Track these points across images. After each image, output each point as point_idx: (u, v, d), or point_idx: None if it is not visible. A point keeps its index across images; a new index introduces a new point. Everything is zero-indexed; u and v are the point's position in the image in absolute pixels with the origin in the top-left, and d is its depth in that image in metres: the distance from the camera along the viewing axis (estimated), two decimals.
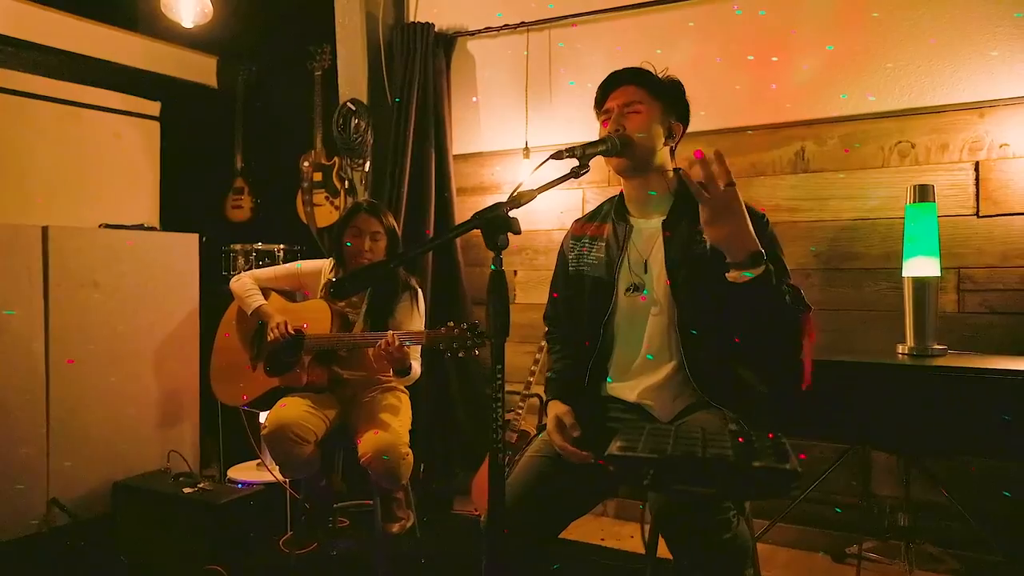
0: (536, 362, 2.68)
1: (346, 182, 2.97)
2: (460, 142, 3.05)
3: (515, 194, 1.23)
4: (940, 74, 2.30)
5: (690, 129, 2.59)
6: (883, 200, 2.36)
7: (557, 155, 1.38)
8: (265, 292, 2.27)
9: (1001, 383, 1.66)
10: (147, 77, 3.15)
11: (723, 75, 2.57)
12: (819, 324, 2.41)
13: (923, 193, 1.98)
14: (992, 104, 2.24)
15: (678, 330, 1.46)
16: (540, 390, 2.64)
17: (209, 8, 2.61)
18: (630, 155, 1.50)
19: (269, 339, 2.11)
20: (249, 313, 2.20)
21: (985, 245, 2.25)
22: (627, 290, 1.52)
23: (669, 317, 1.47)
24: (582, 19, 2.80)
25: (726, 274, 1.28)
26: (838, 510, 2.32)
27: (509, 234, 1.15)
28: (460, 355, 1.82)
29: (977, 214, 2.27)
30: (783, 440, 0.96)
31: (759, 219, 1.48)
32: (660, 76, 1.58)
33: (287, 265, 2.36)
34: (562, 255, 1.68)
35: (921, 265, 1.94)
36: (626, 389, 1.52)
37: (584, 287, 1.58)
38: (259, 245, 2.99)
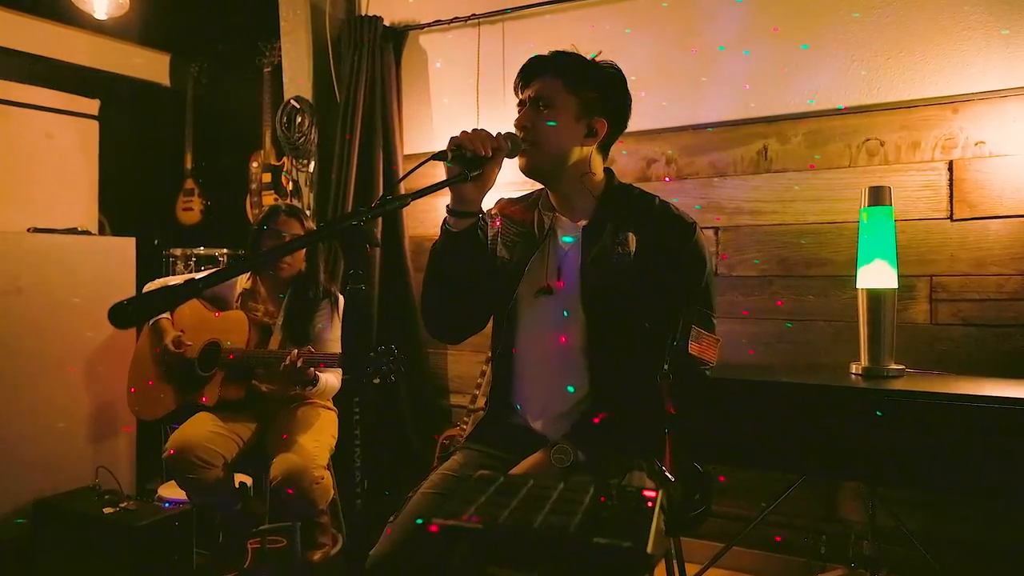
0: (483, 374, 2.53)
1: (290, 183, 2.83)
2: (412, 141, 2.90)
3: (379, 201, 1.09)
4: (911, 66, 2.13)
5: (650, 126, 2.49)
6: (850, 202, 2.19)
7: (439, 155, 1.23)
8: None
9: (958, 410, 1.49)
10: (86, 74, 3.03)
11: (690, 65, 2.41)
12: (784, 336, 2.30)
13: (878, 196, 1.81)
14: (967, 98, 2.07)
15: (588, 351, 1.30)
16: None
17: None
18: (534, 157, 1.34)
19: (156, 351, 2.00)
20: (149, 325, 2.07)
21: (959, 251, 2.09)
22: (537, 293, 1.36)
23: (579, 335, 1.32)
24: (534, 10, 2.64)
25: None
26: (736, 517, 2.16)
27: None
28: (376, 381, 1.69)
29: (951, 217, 2.10)
30: (650, 502, 0.80)
31: (682, 228, 1.32)
32: (592, 63, 1.38)
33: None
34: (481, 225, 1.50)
35: (877, 275, 1.77)
36: (532, 413, 1.37)
37: (492, 266, 1.41)
38: (200, 250, 2.86)
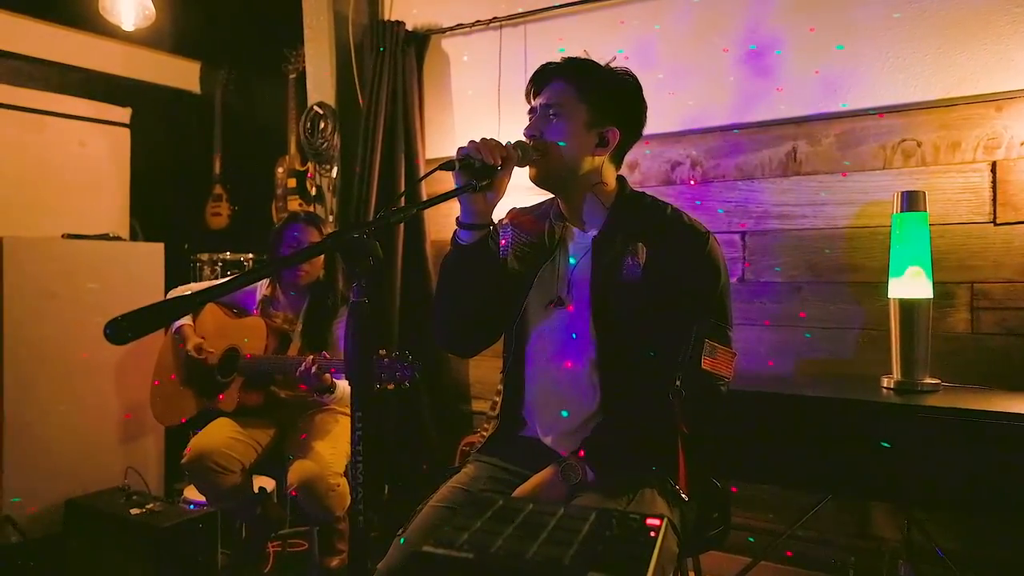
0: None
1: (314, 188, 2.85)
2: (434, 146, 2.89)
3: (382, 213, 1.07)
4: (951, 63, 2.02)
5: (675, 127, 2.43)
6: (885, 205, 2.09)
7: (447, 165, 1.20)
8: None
9: (998, 429, 1.41)
10: (118, 83, 3.10)
11: (720, 64, 2.33)
12: (815, 345, 2.22)
13: (912, 201, 1.72)
14: (1011, 96, 1.96)
15: (598, 365, 1.27)
16: None
17: (151, 10, 2.52)
18: (544, 166, 1.30)
19: (189, 363, 2.02)
20: (172, 331, 2.10)
21: (1003, 257, 1.97)
22: (547, 306, 1.33)
23: (589, 348, 1.28)
24: (555, 11, 2.60)
25: None
26: (760, 530, 2.07)
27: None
28: (389, 387, 1.67)
29: (994, 221, 1.99)
30: (653, 532, 0.76)
31: (694, 238, 1.27)
32: (606, 69, 1.34)
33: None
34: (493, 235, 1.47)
35: (910, 285, 1.69)
36: (542, 427, 1.34)
37: (505, 279, 1.37)
38: (227, 255, 2.90)
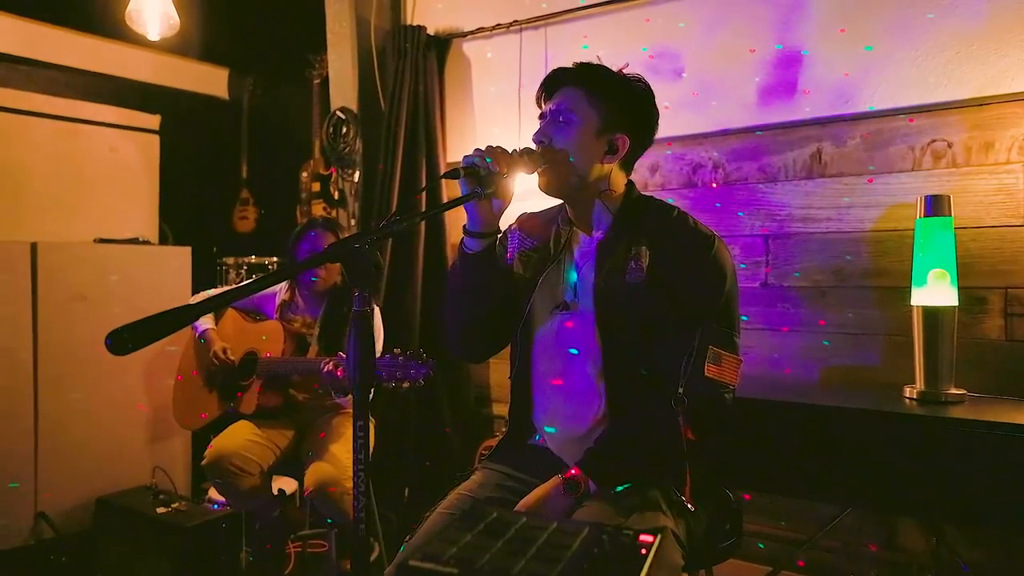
0: None
1: (337, 192, 2.88)
2: (455, 150, 2.89)
3: (386, 222, 1.07)
4: (984, 60, 1.95)
5: (697, 129, 2.39)
6: (913, 208, 2.02)
7: (451, 173, 1.20)
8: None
9: (1016, 441, 1.35)
10: (148, 90, 3.18)
11: (745, 64, 2.28)
12: (839, 352, 2.16)
13: (936, 205, 1.66)
14: None
15: (604, 372, 1.25)
16: None
17: (176, 19, 2.57)
18: (553, 174, 1.29)
19: (212, 366, 2.06)
20: (196, 336, 2.15)
21: None
22: (551, 310, 1.32)
23: (594, 354, 1.27)
24: (575, 14, 2.58)
25: None
26: (777, 538, 2.01)
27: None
28: (404, 385, 1.68)
29: None
30: (644, 549, 0.75)
31: (699, 242, 1.25)
32: (618, 75, 1.33)
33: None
34: (502, 240, 1.44)
35: (934, 292, 1.63)
36: (548, 434, 1.33)
37: (512, 285, 1.37)
38: (252, 258, 2.95)
